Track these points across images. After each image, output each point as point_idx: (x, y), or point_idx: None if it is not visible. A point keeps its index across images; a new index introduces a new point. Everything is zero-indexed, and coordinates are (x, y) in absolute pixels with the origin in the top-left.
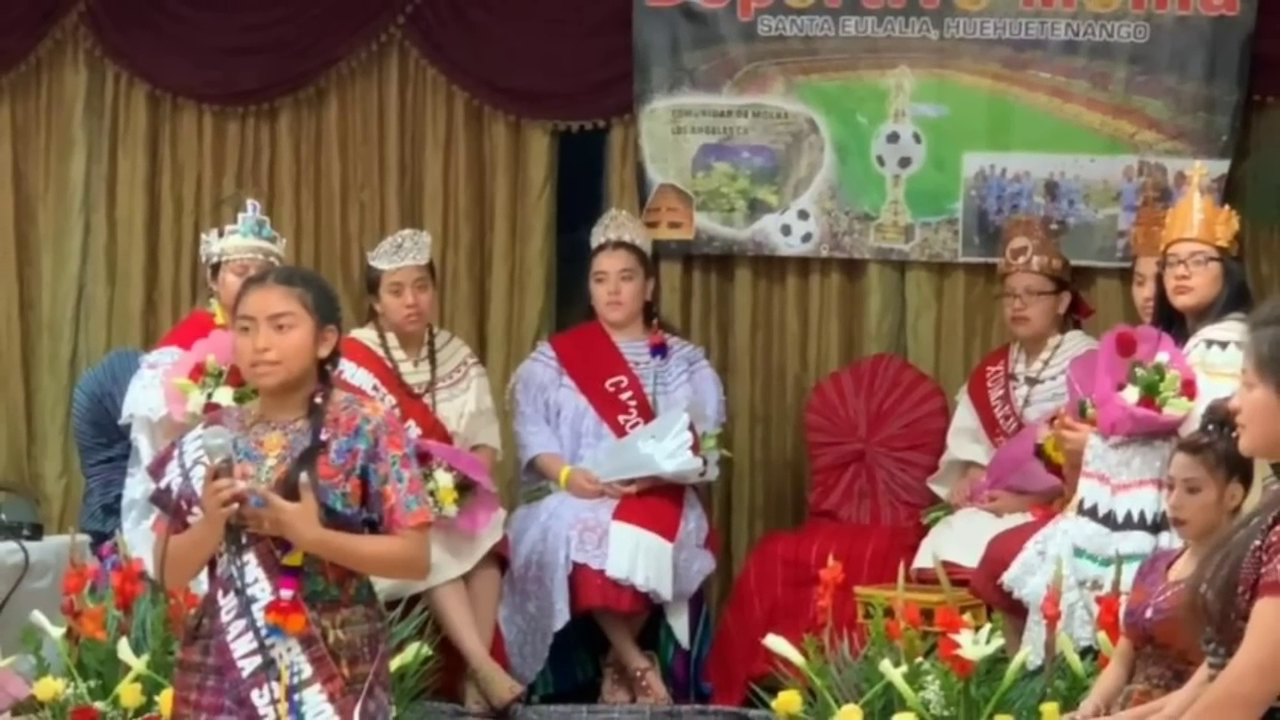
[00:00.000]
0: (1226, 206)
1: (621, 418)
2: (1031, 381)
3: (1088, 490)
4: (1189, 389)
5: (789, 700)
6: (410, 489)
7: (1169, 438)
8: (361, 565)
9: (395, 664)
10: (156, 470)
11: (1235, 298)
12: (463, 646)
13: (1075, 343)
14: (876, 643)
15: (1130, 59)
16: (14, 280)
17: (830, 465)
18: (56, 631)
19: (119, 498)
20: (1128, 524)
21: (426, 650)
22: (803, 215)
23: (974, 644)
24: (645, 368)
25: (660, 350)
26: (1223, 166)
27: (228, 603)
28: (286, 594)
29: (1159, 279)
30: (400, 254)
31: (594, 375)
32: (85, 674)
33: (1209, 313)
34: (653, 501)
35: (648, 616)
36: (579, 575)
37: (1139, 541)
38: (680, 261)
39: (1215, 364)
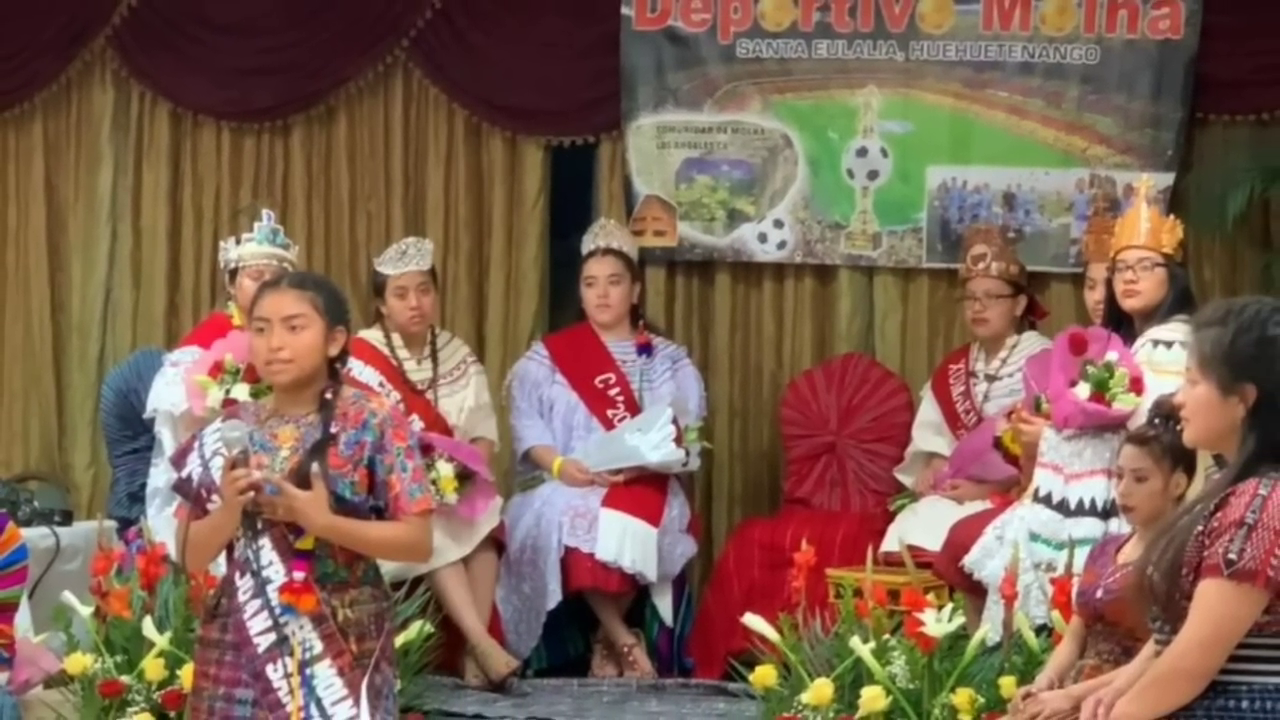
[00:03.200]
0: (1171, 216)
1: (610, 412)
2: (990, 379)
3: (1042, 479)
4: (1137, 385)
5: (765, 674)
6: (414, 478)
7: (1118, 431)
8: (369, 549)
9: (400, 640)
10: (178, 461)
11: (1180, 301)
12: (462, 624)
13: (1031, 343)
14: (847, 621)
15: (1082, 79)
16: (46, 285)
17: (804, 456)
18: (85, 610)
19: (143, 486)
20: (1080, 511)
21: (429, 628)
22: (778, 224)
23: (937, 622)
24: (632, 366)
25: (646, 349)
26: (1168, 179)
27: (244, 584)
28: (299, 576)
29: (1109, 283)
30: (404, 260)
31: (584, 373)
32: (112, 650)
33: (1155, 315)
34: (639, 490)
35: (634, 596)
36: (570, 558)
37: (1090, 527)
38: (664, 267)
39: (1161, 362)
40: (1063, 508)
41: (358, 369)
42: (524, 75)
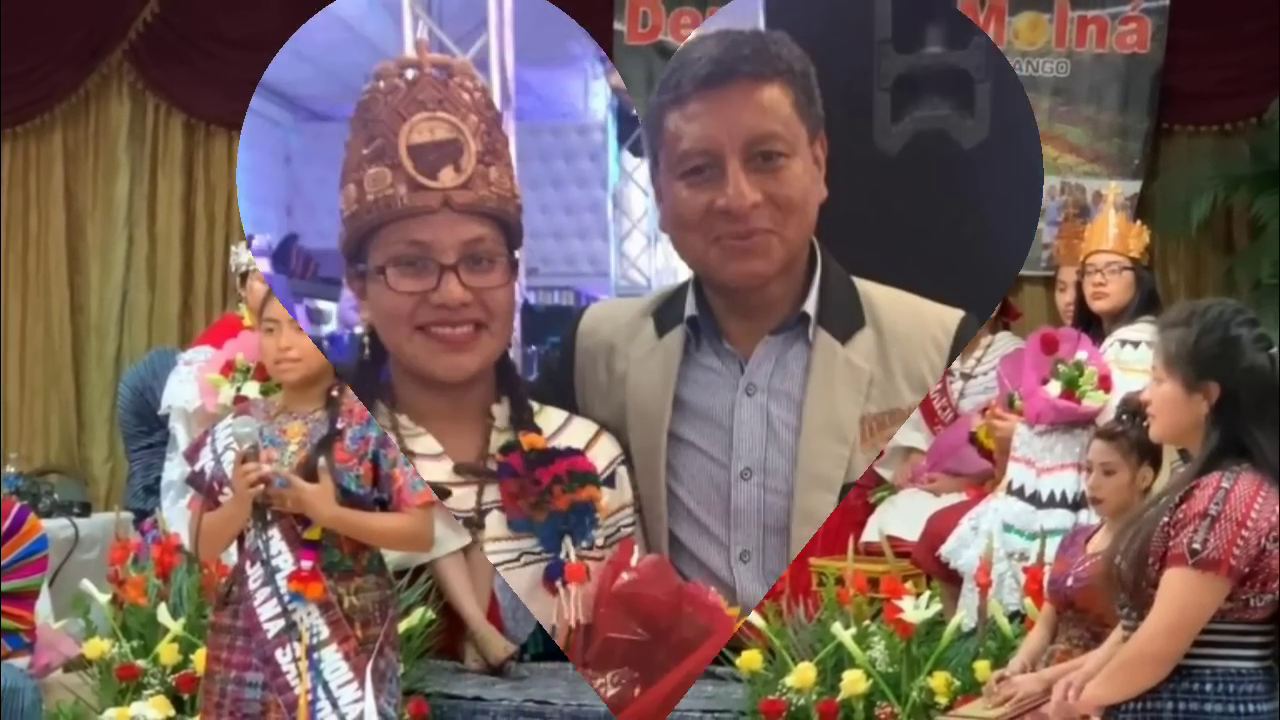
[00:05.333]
0: (1138, 222)
1: None
2: (966, 377)
3: (1016, 473)
4: (1105, 383)
5: (751, 659)
6: (416, 472)
7: (1087, 426)
8: (373, 539)
9: (403, 626)
10: (192, 455)
11: (1146, 302)
12: (462, 611)
13: (1005, 343)
14: (829, 608)
15: (1053, 91)
16: (65, 287)
17: None
18: (103, 598)
19: (158, 479)
20: (1051, 502)
21: (430, 614)
22: None
23: (915, 609)
24: None
25: None
26: (1135, 186)
27: (255, 572)
28: (306, 565)
29: (1079, 286)
30: None
31: None
32: (128, 635)
33: (1123, 316)
34: None
35: None
36: None
37: (1061, 518)
38: None
39: (1129, 361)
40: (1035, 500)
41: None
42: None
